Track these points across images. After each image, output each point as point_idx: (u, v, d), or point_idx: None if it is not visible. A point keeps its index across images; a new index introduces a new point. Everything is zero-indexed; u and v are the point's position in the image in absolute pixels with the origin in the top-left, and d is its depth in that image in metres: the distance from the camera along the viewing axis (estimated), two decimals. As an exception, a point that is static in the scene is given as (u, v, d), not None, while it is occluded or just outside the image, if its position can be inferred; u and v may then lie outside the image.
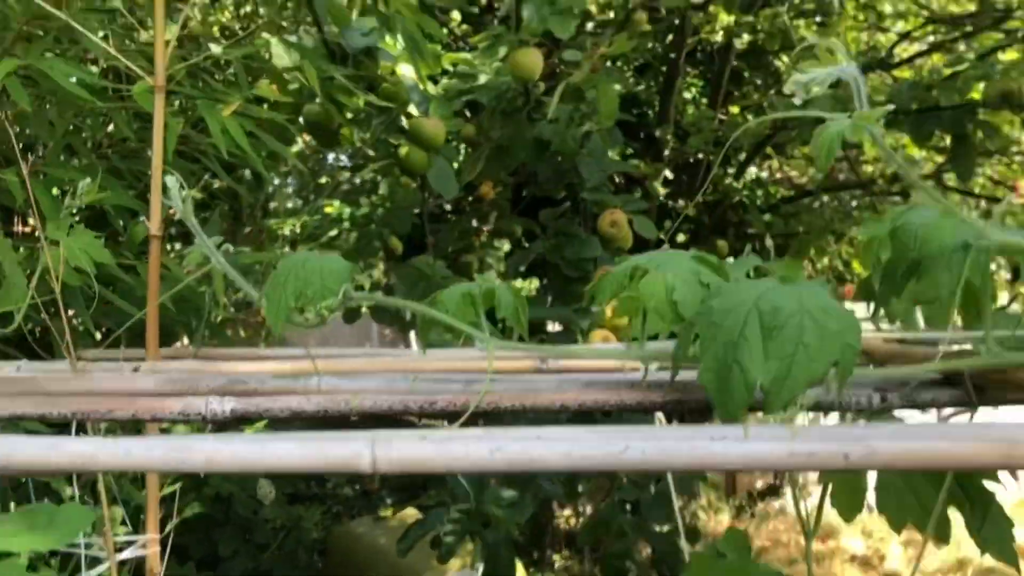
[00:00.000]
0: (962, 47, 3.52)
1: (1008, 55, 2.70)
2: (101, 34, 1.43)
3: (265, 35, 2.30)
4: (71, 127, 1.50)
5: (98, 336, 1.52)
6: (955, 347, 0.66)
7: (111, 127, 1.65)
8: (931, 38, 3.83)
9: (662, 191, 4.15)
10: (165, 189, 0.73)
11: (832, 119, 0.56)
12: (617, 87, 4.09)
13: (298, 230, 3.20)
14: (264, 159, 1.63)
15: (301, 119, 2.25)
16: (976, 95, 2.45)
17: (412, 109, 2.36)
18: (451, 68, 2.84)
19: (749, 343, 0.50)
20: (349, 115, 2.35)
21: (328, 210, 3.28)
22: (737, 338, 0.50)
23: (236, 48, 1.55)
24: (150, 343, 1.15)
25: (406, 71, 2.18)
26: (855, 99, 0.56)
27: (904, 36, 3.75)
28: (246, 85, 1.50)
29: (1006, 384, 0.59)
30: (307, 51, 1.78)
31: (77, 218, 1.23)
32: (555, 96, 2.47)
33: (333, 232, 3.12)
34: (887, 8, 3.70)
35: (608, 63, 2.75)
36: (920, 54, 3.64)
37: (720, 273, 0.61)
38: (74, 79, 1.30)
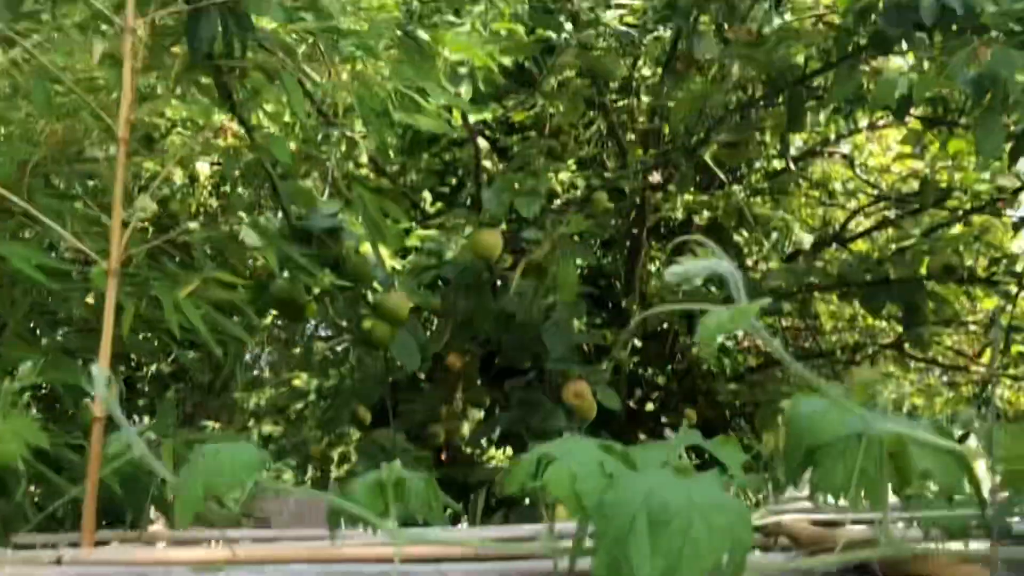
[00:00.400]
0: (909, 224, 3.68)
1: (951, 232, 2.84)
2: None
3: (241, 214, 2.38)
4: (30, 308, 1.53)
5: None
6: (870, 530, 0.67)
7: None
8: (882, 214, 4.02)
9: (630, 360, 4.20)
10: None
11: (714, 310, 0.59)
12: (580, 261, 4.22)
13: (262, 403, 3.19)
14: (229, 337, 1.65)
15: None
16: (923, 269, 2.55)
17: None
18: (420, 244, 2.94)
19: (637, 538, 0.51)
20: (317, 290, 2.40)
21: (295, 383, 3.29)
22: (626, 533, 0.51)
23: (210, 229, 1.61)
24: (86, 528, 1.13)
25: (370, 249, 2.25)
26: (733, 292, 0.60)
27: (856, 212, 3.93)
28: (205, 266, 1.55)
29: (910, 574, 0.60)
30: (271, 233, 1.85)
31: (24, 398, 1.23)
32: (517, 271, 2.55)
33: (299, 404, 3.11)
34: (838, 187, 3.90)
35: (575, 237, 2.86)
36: (871, 229, 3.81)
37: (627, 461, 0.63)
38: (34, 263, 1.34)
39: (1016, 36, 1.76)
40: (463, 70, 2.59)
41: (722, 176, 3.54)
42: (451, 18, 2.50)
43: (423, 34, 1.81)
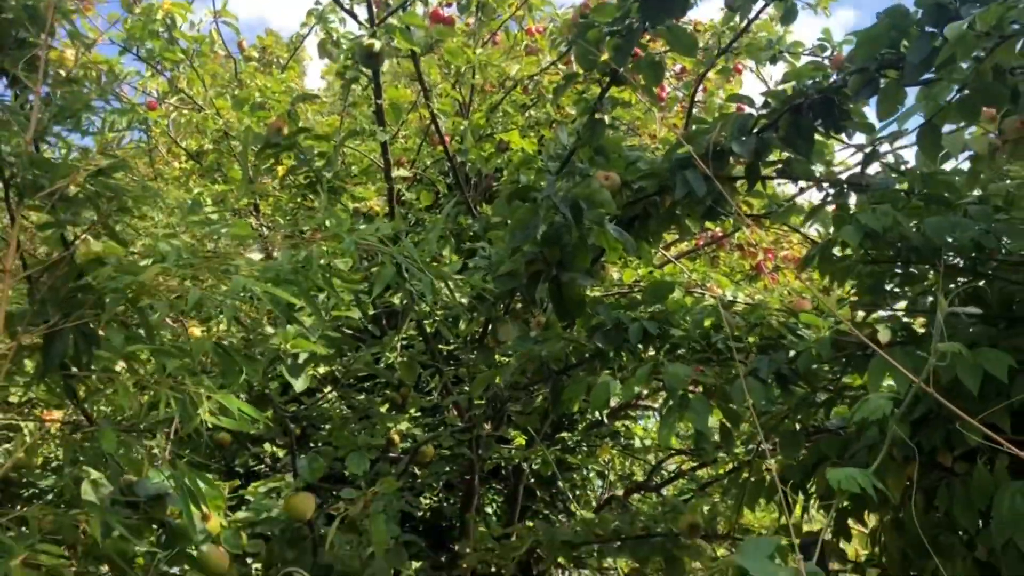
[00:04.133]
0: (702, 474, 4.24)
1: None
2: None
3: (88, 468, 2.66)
4: None
5: None
6: None
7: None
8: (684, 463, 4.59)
9: (463, 602, 4.44)
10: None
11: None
12: (425, 501, 4.54)
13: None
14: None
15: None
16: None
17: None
18: (251, 499, 3.25)
19: None
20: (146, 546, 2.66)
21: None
22: None
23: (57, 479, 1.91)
24: None
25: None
26: None
27: (657, 465, 4.49)
28: (35, 537, 1.85)
29: None
30: (101, 499, 2.17)
31: None
32: (332, 528, 2.89)
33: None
34: (636, 443, 4.48)
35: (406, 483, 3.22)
36: (670, 480, 4.35)
37: None
38: None
39: (699, 353, 2.37)
40: (303, 358, 3.06)
41: (534, 433, 4.04)
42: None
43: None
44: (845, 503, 2.19)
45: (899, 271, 2.05)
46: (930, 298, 2.01)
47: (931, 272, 2.00)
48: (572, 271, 2.32)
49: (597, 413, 4.24)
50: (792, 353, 2.27)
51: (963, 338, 1.87)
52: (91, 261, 1.97)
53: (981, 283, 2.00)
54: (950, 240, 1.82)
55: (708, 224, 4.53)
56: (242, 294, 1.88)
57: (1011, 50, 1.72)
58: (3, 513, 1.98)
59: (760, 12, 3.44)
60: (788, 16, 3.39)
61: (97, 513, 2.01)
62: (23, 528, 1.89)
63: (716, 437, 2.79)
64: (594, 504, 4.92)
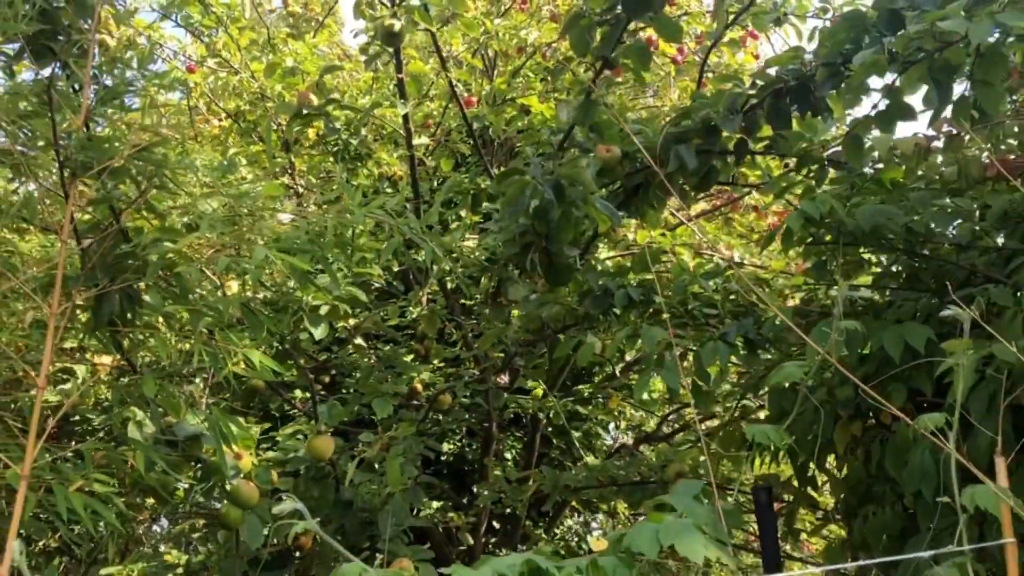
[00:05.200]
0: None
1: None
2: None
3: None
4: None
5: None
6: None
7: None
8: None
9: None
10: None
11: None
12: (447, 447, 4.87)
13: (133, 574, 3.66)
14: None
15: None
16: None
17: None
18: (280, 440, 3.58)
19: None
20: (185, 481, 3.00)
21: (167, 558, 3.77)
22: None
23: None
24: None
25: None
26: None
27: (665, 417, 4.75)
28: (91, 466, 2.17)
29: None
30: (146, 438, 2.50)
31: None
32: (351, 467, 3.20)
33: (169, 576, 3.59)
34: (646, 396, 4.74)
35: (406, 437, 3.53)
36: (675, 432, 4.61)
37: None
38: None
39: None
40: (323, 311, 3.34)
41: (545, 387, 4.31)
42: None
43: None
44: (803, 458, 2.43)
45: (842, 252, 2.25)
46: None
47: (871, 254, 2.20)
48: (558, 242, 2.56)
49: (609, 367, 4.49)
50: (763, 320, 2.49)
51: (905, 313, 2.09)
52: (134, 230, 2.26)
53: (917, 263, 2.20)
54: (887, 224, 2.02)
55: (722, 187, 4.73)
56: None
57: (921, 73, 1.90)
58: (62, 447, 2.31)
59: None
60: (791, -8, 3.53)
61: (142, 450, 2.32)
62: (79, 460, 2.21)
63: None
64: (606, 452, 5.20)
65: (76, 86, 2.42)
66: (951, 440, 1.37)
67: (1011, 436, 1.71)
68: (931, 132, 2.21)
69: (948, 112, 2.09)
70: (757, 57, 5.42)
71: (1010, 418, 1.80)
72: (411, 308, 4.64)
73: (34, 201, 2.24)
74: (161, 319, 2.32)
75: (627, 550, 1.40)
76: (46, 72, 2.58)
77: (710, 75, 4.74)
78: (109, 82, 2.42)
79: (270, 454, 3.41)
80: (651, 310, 2.66)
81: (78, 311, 2.26)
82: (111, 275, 2.20)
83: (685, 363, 3.09)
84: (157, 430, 2.60)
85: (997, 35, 1.73)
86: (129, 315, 2.24)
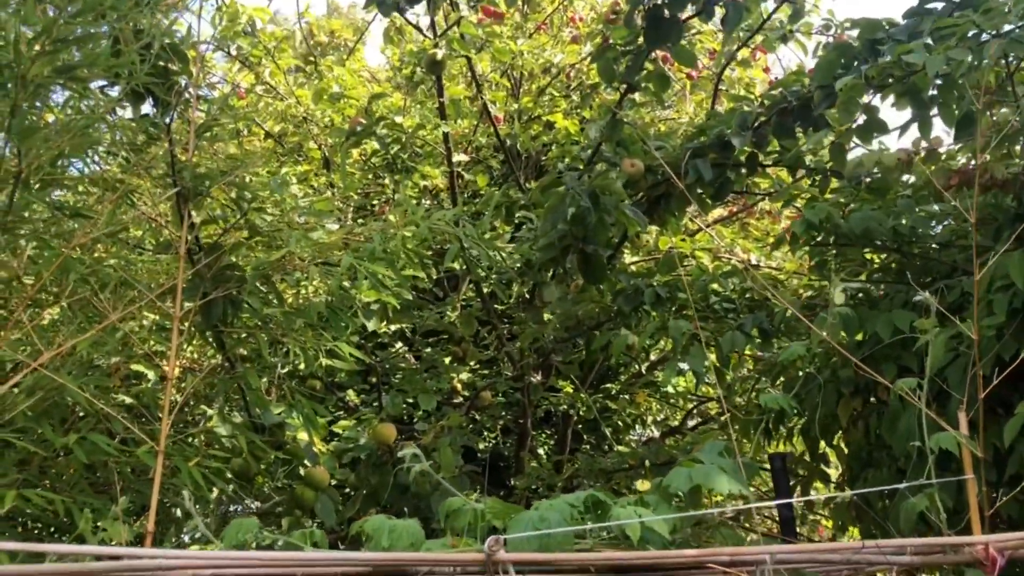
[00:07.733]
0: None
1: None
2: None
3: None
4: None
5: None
6: None
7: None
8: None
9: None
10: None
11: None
12: (482, 444, 5.23)
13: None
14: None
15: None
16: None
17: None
18: (341, 432, 3.96)
19: None
20: (264, 466, 3.39)
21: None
22: None
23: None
24: None
25: (304, 437, 3.28)
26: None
27: (689, 412, 5.09)
28: (201, 448, 2.56)
29: None
30: (238, 426, 2.89)
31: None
32: (407, 450, 3.56)
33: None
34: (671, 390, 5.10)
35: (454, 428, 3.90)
36: (698, 424, 4.95)
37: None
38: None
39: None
40: (374, 307, 3.72)
41: (577, 384, 4.67)
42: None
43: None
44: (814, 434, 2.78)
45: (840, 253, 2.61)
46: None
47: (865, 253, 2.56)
48: (595, 244, 2.94)
49: (635, 366, 4.85)
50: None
51: (896, 303, 2.45)
52: (234, 246, 2.66)
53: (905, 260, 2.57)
54: (876, 228, 2.39)
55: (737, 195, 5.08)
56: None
57: (896, 94, 2.27)
58: (188, 432, 2.71)
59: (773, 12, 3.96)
60: (795, 17, 3.89)
61: (244, 433, 2.71)
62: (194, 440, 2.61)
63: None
64: (633, 446, 5.55)
65: (168, 120, 2.83)
66: (922, 399, 1.73)
67: (984, 402, 2.06)
68: (910, 147, 2.57)
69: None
70: (767, 71, 5.77)
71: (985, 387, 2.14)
72: (449, 312, 5.01)
73: (149, 224, 2.64)
74: (258, 321, 2.71)
75: (665, 489, 1.76)
76: (144, 109, 2.98)
77: (723, 89, 5.11)
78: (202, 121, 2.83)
79: (333, 444, 3.79)
80: (676, 306, 3.03)
81: (189, 317, 2.65)
82: (216, 284, 2.59)
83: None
84: (246, 418, 2.99)
85: (948, 67, 2.11)
86: (231, 319, 2.63)
